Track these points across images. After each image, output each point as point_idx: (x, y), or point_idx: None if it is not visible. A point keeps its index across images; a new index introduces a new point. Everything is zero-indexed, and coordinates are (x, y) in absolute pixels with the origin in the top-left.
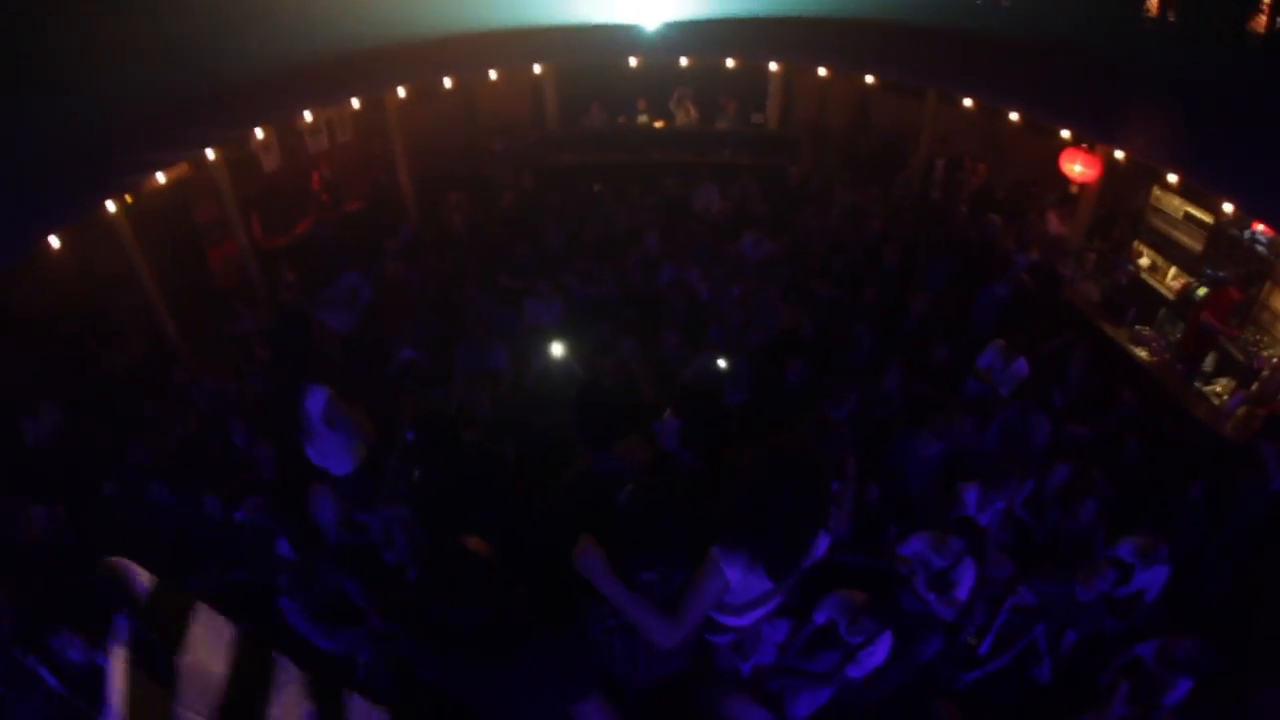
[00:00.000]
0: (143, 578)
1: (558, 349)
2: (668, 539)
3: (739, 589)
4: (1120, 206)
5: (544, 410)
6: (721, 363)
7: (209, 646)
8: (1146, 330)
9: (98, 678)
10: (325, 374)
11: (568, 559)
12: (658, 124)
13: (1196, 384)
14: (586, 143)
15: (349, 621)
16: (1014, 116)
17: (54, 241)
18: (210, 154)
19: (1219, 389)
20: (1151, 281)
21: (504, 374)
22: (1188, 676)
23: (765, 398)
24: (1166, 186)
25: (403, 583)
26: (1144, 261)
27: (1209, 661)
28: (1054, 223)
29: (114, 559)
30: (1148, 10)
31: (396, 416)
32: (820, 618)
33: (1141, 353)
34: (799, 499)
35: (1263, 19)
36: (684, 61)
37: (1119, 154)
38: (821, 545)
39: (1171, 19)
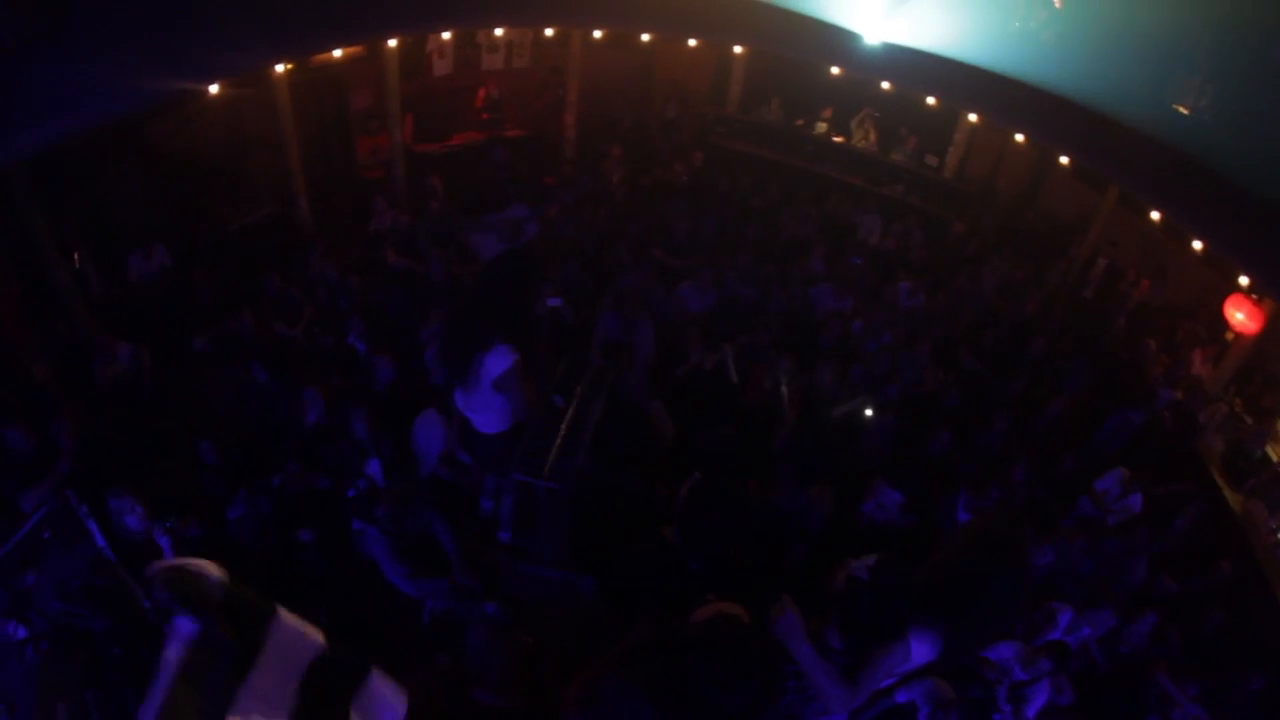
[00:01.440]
0: (215, 574)
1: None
2: (893, 621)
3: (911, 663)
4: (1263, 364)
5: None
6: (869, 411)
7: (287, 657)
8: (1261, 504)
9: (151, 554)
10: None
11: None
12: (837, 139)
13: None
14: (761, 135)
15: (432, 569)
16: (1197, 245)
17: (214, 89)
18: (391, 43)
19: None
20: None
21: (644, 354)
22: None
23: (903, 460)
24: None
25: (491, 538)
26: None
27: None
28: (1196, 363)
29: (177, 564)
30: None
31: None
32: (902, 697)
33: (1250, 525)
34: (1007, 586)
35: None
36: (885, 85)
37: None
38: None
39: None
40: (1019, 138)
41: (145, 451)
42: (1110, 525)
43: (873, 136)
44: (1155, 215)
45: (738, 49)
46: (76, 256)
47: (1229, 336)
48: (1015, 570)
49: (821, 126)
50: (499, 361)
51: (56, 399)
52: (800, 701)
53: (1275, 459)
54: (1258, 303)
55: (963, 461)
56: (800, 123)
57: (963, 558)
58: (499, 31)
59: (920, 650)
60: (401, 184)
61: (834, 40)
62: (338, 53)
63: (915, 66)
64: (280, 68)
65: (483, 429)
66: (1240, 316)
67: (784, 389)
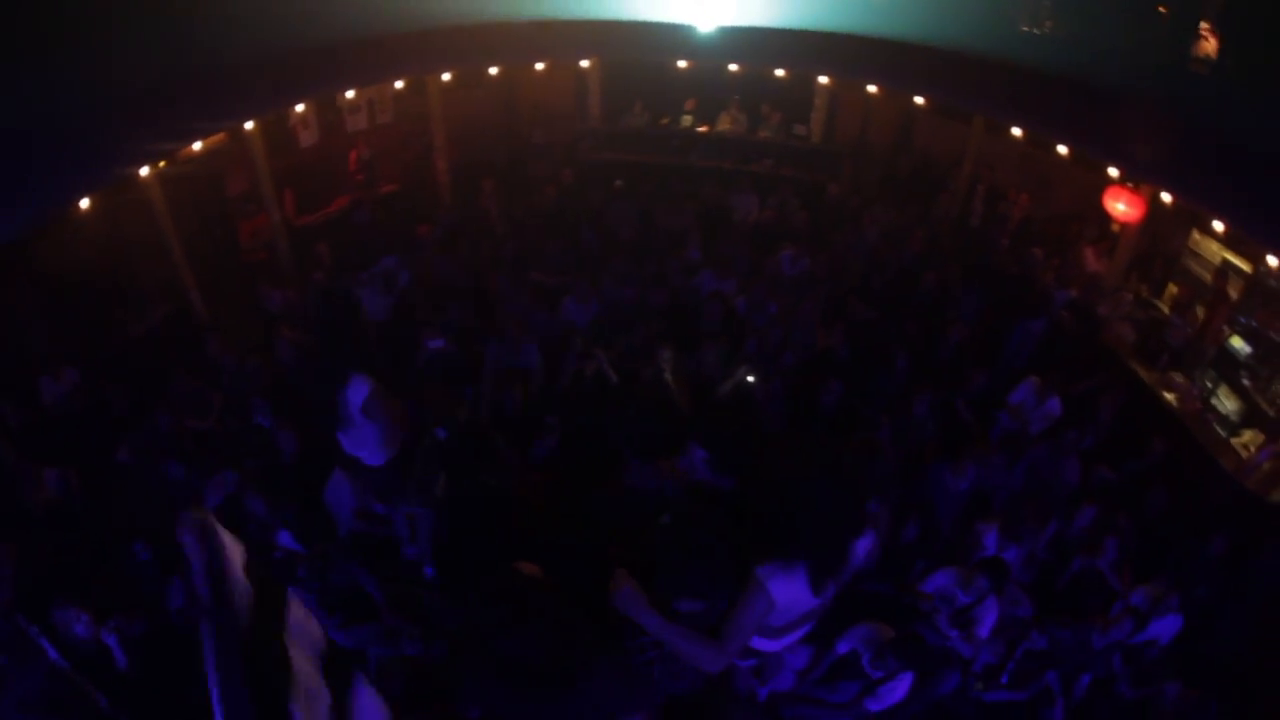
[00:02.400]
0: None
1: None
2: (717, 574)
3: (782, 609)
4: (1158, 248)
5: (576, 414)
6: (752, 378)
7: (304, 633)
8: (1179, 377)
9: (101, 656)
10: (358, 360)
11: (604, 580)
12: (701, 128)
13: (1223, 433)
14: (628, 141)
15: (363, 616)
16: (1062, 150)
17: (84, 203)
18: (249, 126)
19: (1246, 440)
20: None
21: (535, 373)
22: None
23: (800, 419)
24: (1205, 231)
25: (418, 579)
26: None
27: (1216, 708)
28: (1090, 260)
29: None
30: (1203, 54)
31: (423, 408)
32: (843, 647)
33: (1172, 399)
34: (837, 499)
35: None
36: (733, 67)
37: (1165, 196)
38: (861, 549)
39: (1227, 63)
40: (871, 89)
41: (84, 564)
42: (1034, 434)
43: (739, 119)
44: (1017, 132)
45: (584, 63)
46: None
47: (1115, 229)
48: (843, 481)
49: (687, 119)
50: (358, 391)
51: None
52: (669, 670)
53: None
54: (1135, 190)
55: (864, 407)
56: (666, 120)
57: (788, 482)
58: (351, 94)
59: (784, 591)
60: (287, 260)
61: (671, 36)
62: (197, 145)
63: (755, 43)
64: (144, 170)
65: (371, 463)
66: (1121, 207)
67: (668, 377)
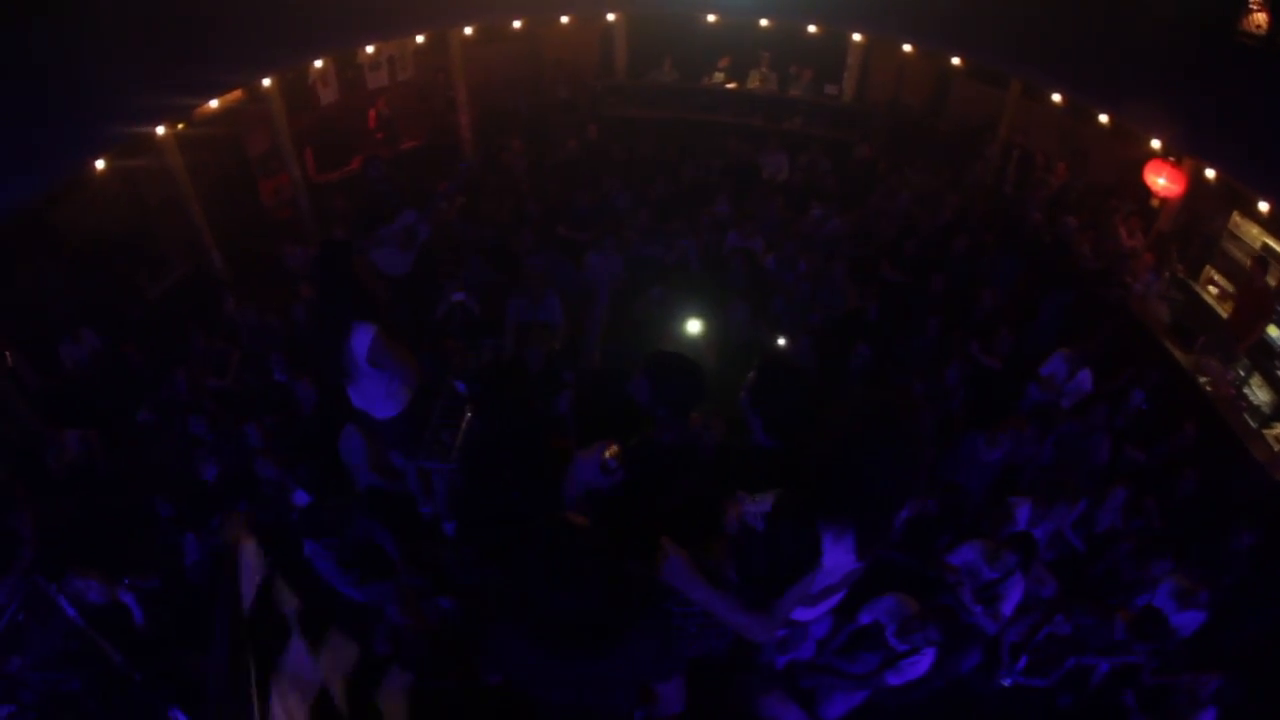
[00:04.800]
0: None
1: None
2: (794, 569)
3: (825, 572)
4: (1197, 228)
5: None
6: (782, 341)
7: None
8: (1213, 361)
9: (119, 614)
10: (370, 313)
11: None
12: (730, 85)
13: (1255, 424)
14: (655, 97)
15: (380, 573)
16: (1103, 119)
17: (99, 164)
18: (266, 83)
19: (1277, 433)
20: (1220, 310)
21: (558, 328)
22: (1212, 707)
23: (828, 380)
24: (1247, 213)
25: (436, 536)
26: (1213, 290)
27: (1235, 695)
28: (1124, 235)
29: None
30: (1254, 27)
31: (442, 363)
32: (866, 618)
33: (1205, 383)
34: (896, 455)
35: None
36: (764, 23)
37: (1209, 172)
38: (903, 514)
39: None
40: (906, 48)
41: (105, 525)
42: (1065, 409)
43: (770, 77)
44: (1057, 98)
45: (611, 17)
46: (8, 355)
47: (1154, 204)
48: (902, 434)
49: (719, 76)
50: (361, 339)
51: (14, 494)
52: (701, 638)
53: (1220, 311)
54: (1176, 164)
55: (894, 370)
56: (704, 79)
57: (844, 434)
58: (370, 49)
59: (832, 557)
60: (309, 218)
61: None
62: (214, 104)
63: None
64: (160, 129)
65: (380, 415)
66: (1162, 181)
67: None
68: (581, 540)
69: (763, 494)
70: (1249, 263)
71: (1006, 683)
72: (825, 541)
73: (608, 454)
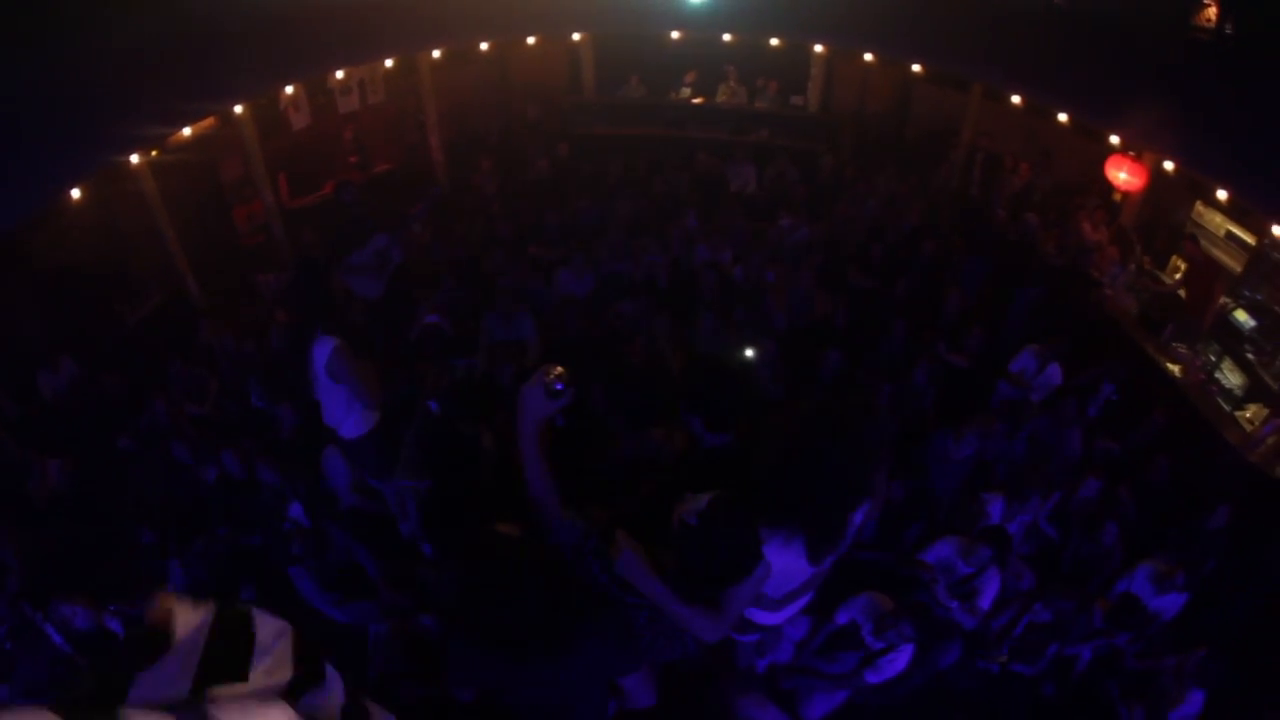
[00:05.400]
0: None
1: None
2: (733, 568)
3: (777, 577)
4: (1161, 220)
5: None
6: (750, 351)
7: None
8: (1182, 348)
9: (104, 641)
10: (339, 329)
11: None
12: (696, 100)
13: (1228, 407)
14: (622, 114)
15: (361, 592)
16: (1062, 118)
17: (75, 193)
18: (238, 109)
19: (1249, 414)
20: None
21: (531, 346)
22: (1199, 688)
23: (798, 387)
24: (1209, 202)
25: (416, 555)
26: (1179, 277)
27: (1220, 674)
28: (1087, 230)
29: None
30: (1205, 20)
31: (417, 385)
32: (842, 618)
33: (1175, 370)
34: (840, 465)
35: None
36: (727, 38)
37: (1168, 165)
38: (858, 518)
39: (1229, 31)
40: (868, 57)
41: (89, 552)
42: (1036, 403)
43: (737, 91)
44: (1016, 100)
45: (576, 36)
46: None
47: (1116, 198)
48: (848, 440)
49: (686, 92)
50: (321, 350)
51: None
52: (664, 640)
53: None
54: (1137, 159)
55: (863, 376)
56: (672, 95)
57: (789, 440)
58: (340, 74)
59: (781, 558)
60: (283, 244)
61: (662, 8)
62: (187, 130)
63: (746, 11)
64: (134, 158)
65: (346, 435)
66: (1123, 176)
67: (666, 349)
68: (509, 552)
69: (704, 494)
70: (1216, 251)
71: (994, 668)
72: (774, 545)
73: (550, 376)
